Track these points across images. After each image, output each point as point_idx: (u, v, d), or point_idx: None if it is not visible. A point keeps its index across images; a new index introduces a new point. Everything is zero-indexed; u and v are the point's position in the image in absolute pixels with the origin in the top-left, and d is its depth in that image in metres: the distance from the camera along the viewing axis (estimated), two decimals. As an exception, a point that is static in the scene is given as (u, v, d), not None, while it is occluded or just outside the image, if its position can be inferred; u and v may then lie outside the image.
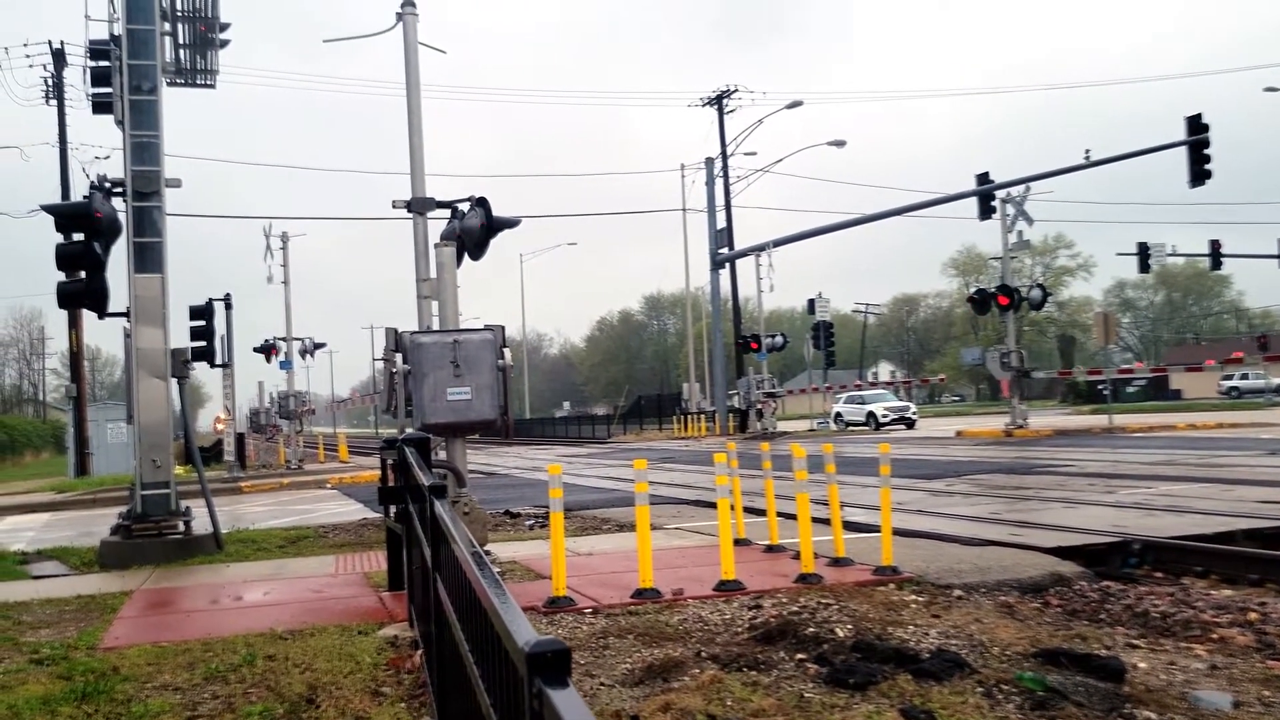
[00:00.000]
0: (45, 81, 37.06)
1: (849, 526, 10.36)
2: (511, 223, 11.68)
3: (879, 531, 9.06)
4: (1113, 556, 9.44)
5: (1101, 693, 5.39)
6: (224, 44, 14.83)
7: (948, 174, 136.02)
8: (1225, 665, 5.96)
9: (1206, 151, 30.95)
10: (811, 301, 48.78)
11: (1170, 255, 44.53)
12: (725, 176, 51.82)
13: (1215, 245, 41.54)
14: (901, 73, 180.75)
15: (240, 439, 32.40)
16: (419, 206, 11.57)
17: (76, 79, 50.96)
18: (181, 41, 14.50)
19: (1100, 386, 51.87)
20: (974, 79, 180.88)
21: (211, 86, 15.59)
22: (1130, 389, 67.15)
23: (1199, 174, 31.09)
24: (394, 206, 11.81)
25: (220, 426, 32.40)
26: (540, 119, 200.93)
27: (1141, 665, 5.95)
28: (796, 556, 8.99)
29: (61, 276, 12.61)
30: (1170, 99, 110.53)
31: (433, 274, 10.97)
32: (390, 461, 8.53)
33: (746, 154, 51.95)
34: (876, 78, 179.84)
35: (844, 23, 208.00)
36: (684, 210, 58.43)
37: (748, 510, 11.69)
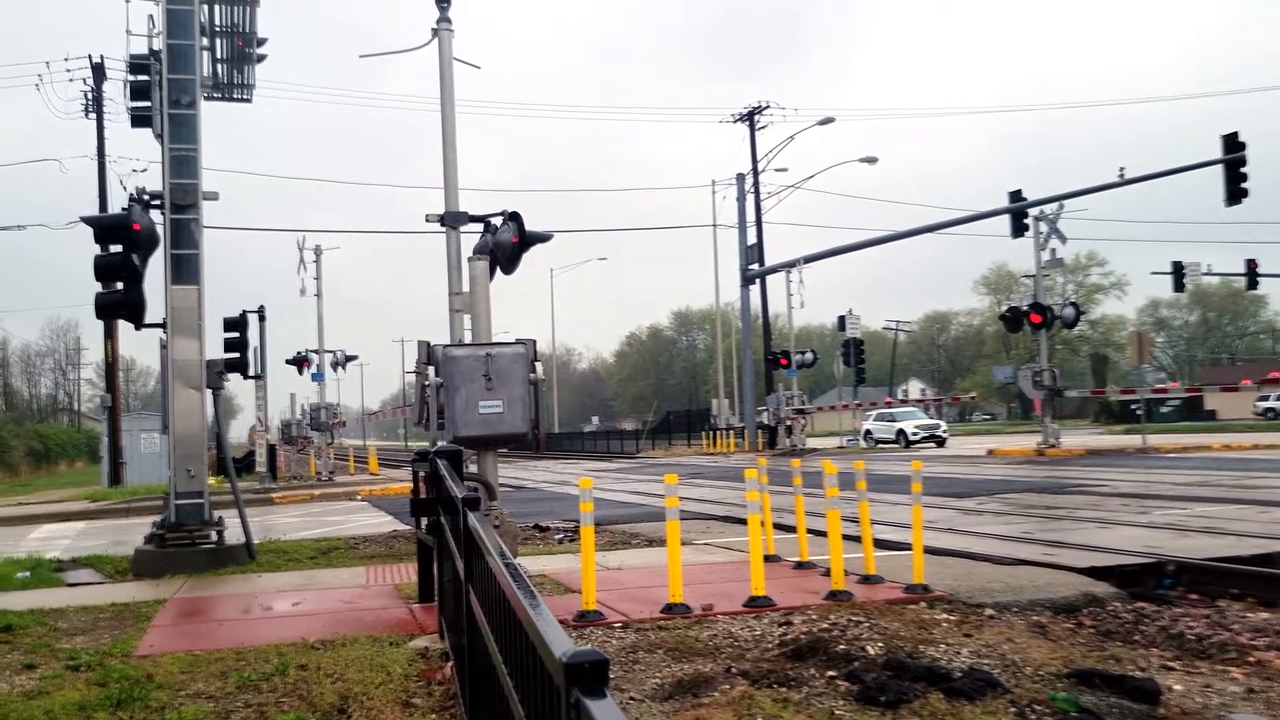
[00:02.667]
0: (85, 95, 37.59)
1: (879, 544, 10.31)
2: (544, 237, 11.73)
3: (909, 549, 9.01)
4: (1147, 578, 9.35)
5: (1136, 714, 5.35)
6: (261, 59, 15.00)
7: (974, 190, 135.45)
8: (1262, 688, 5.89)
9: (1243, 170, 30.71)
10: (842, 318, 48.62)
11: (1205, 274, 44.05)
12: (756, 193, 51.83)
13: (1251, 265, 41.11)
14: (926, 89, 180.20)
15: (272, 450, 32.60)
16: (452, 221, 11.63)
17: (116, 93, 51.59)
18: (219, 56, 14.69)
19: (1134, 406, 51.38)
20: (1000, 96, 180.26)
21: (248, 100, 15.77)
22: (1164, 409, 66.44)
23: (1235, 192, 30.82)
24: (427, 220, 11.88)
25: (258, 439, 32.57)
26: (556, 135, 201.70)
27: (1177, 687, 5.89)
28: (826, 573, 8.96)
29: (99, 287, 12.78)
30: (1203, 115, 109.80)
31: (465, 288, 11.03)
32: (422, 474, 8.56)
33: (778, 170, 51.86)
34: (900, 94, 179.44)
35: (865, 38, 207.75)
36: (714, 226, 58.51)
37: (777, 527, 11.66)
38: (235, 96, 15.56)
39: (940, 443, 46.43)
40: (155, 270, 12.67)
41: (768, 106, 52.74)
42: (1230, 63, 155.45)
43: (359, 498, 26.08)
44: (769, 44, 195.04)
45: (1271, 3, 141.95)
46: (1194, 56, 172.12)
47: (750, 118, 52.96)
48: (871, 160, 48.56)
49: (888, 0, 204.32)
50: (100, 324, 37.03)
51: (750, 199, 51.84)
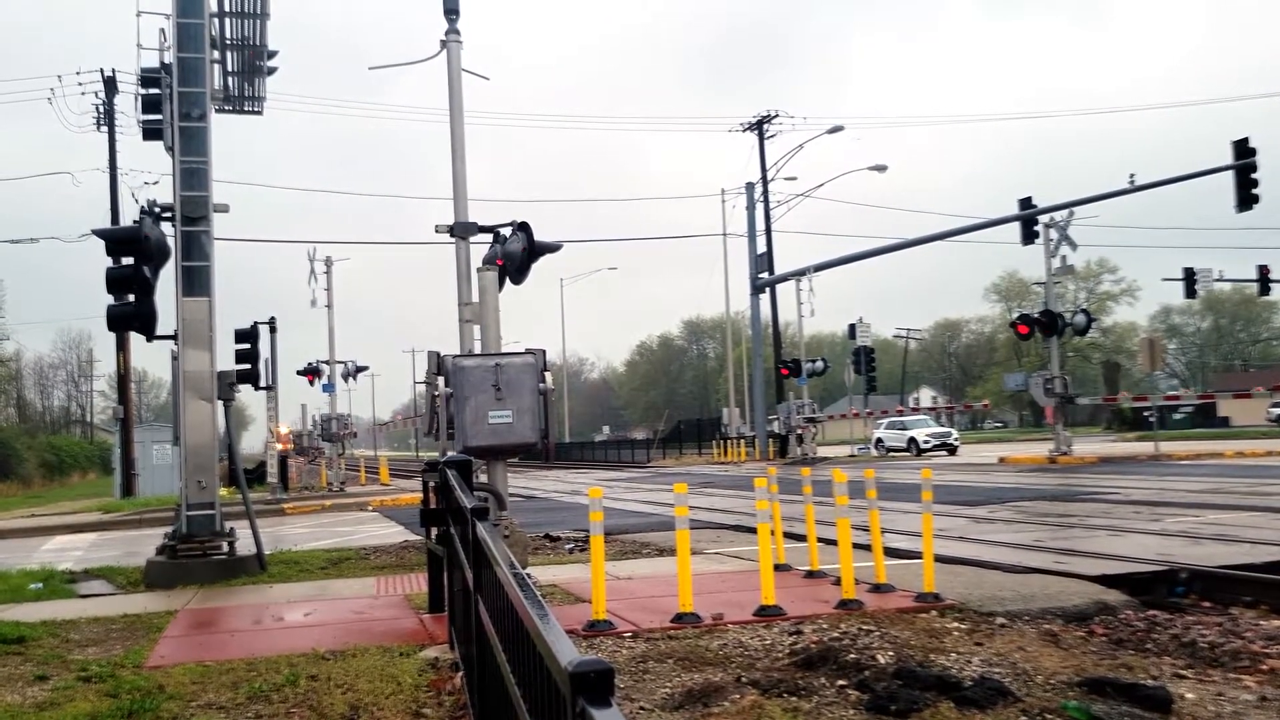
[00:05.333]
0: (97, 108, 37.76)
1: (890, 552, 10.30)
2: (553, 247, 11.75)
3: (920, 558, 8.99)
4: (1159, 585, 9.31)
5: (1148, 723, 5.32)
6: (271, 71, 15.07)
7: (983, 198, 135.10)
8: (1275, 697, 5.85)
9: (1254, 175, 30.63)
10: (852, 326, 48.59)
11: (1217, 281, 43.88)
12: (765, 202, 51.76)
13: (1263, 271, 40.94)
14: (934, 98, 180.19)
15: (283, 461, 32.66)
16: (461, 231, 11.66)
17: (127, 106, 51.86)
18: (230, 69, 14.75)
19: (1146, 413, 51.23)
20: (1009, 105, 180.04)
21: (259, 113, 15.83)
22: (1176, 416, 66.18)
23: (1246, 198, 30.76)
24: (437, 231, 11.91)
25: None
26: (565, 148, 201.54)
27: (1189, 696, 5.86)
28: (837, 582, 8.94)
29: (111, 300, 12.82)
30: (1215, 121, 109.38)
31: (475, 298, 11.05)
32: (432, 484, 8.59)
33: (787, 178, 51.71)
34: (908, 103, 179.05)
35: (870, 47, 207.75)
36: (724, 235, 58.45)
37: (788, 535, 11.64)
38: (246, 109, 15.63)
39: (952, 450, 46.33)
40: (166, 282, 12.73)
41: (776, 115, 52.70)
42: (1244, 68, 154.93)
43: (370, 508, 26.10)
44: (771, 57, 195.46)
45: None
46: (1206, 62, 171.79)
47: (759, 126, 52.95)
48: (881, 168, 48.53)
49: (893, 9, 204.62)
50: (112, 336, 37.10)
51: (760, 208, 51.78)
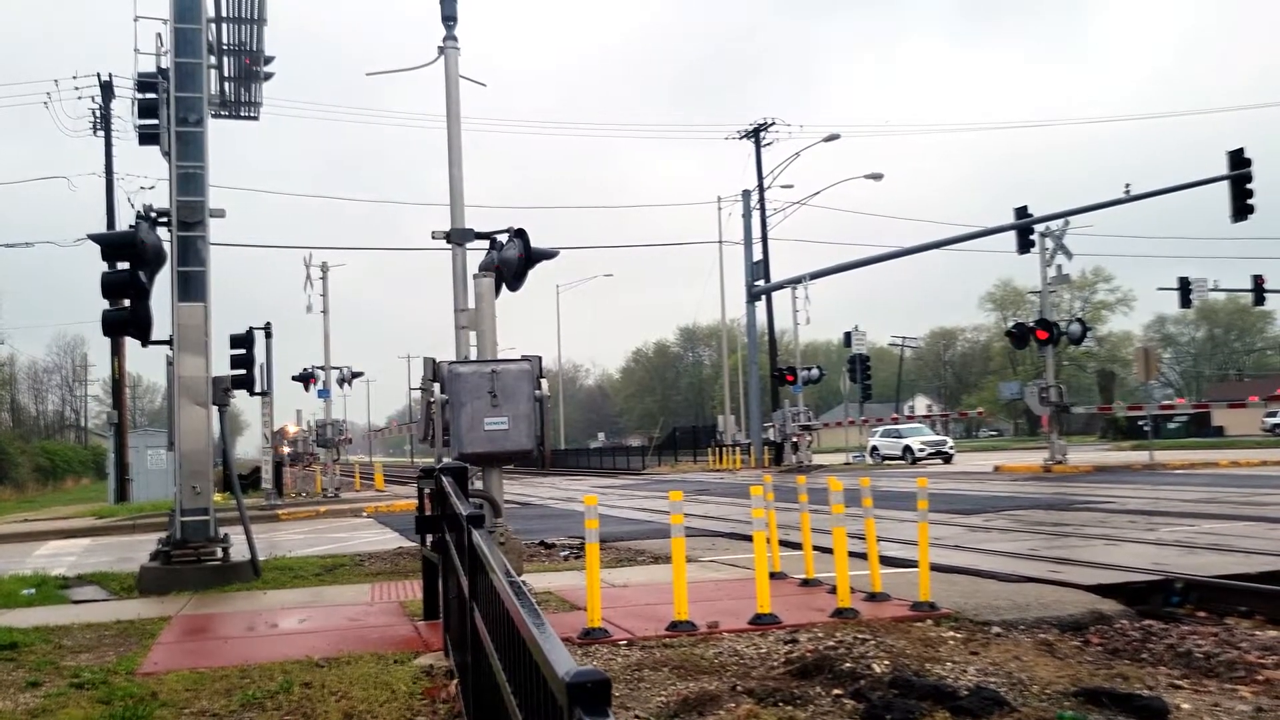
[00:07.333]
0: (93, 113, 37.79)
1: (885, 561, 10.29)
2: (550, 254, 11.76)
3: (916, 567, 8.99)
4: (1155, 595, 9.31)
5: (1144, 733, 5.31)
6: (268, 77, 15.08)
7: (978, 208, 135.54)
8: (1271, 707, 5.85)
9: (1249, 186, 30.72)
10: (848, 334, 48.64)
11: (1212, 290, 44.10)
12: (762, 209, 51.85)
13: (1258, 281, 41.12)
14: (929, 106, 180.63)
15: (278, 467, 32.60)
16: (458, 237, 11.67)
17: (124, 111, 51.79)
18: (226, 74, 14.75)
19: (1141, 422, 51.21)
20: (1004, 113, 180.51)
21: (255, 119, 15.84)
22: (1171, 425, 66.24)
23: (1241, 209, 30.85)
24: (433, 237, 11.93)
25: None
26: (561, 156, 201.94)
27: (1185, 706, 5.85)
28: (833, 591, 8.93)
29: (106, 304, 12.80)
30: (1208, 132, 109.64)
31: (471, 304, 11.06)
32: (427, 491, 8.56)
33: (784, 186, 51.83)
34: (903, 111, 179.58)
35: (867, 57, 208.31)
36: (720, 243, 58.63)
37: (783, 543, 11.62)
38: (242, 115, 15.64)
39: (947, 459, 46.35)
40: (162, 287, 12.72)
41: (773, 123, 52.81)
42: (1242, 79, 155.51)
43: (365, 514, 26.05)
44: (764, 69, 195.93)
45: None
46: (1205, 72, 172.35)
47: (756, 134, 53.04)
48: (877, 176, 48.61)
49: (884, 24, 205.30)
50: (107, 341, 37.14)
51: (756, 215, 51.88)
